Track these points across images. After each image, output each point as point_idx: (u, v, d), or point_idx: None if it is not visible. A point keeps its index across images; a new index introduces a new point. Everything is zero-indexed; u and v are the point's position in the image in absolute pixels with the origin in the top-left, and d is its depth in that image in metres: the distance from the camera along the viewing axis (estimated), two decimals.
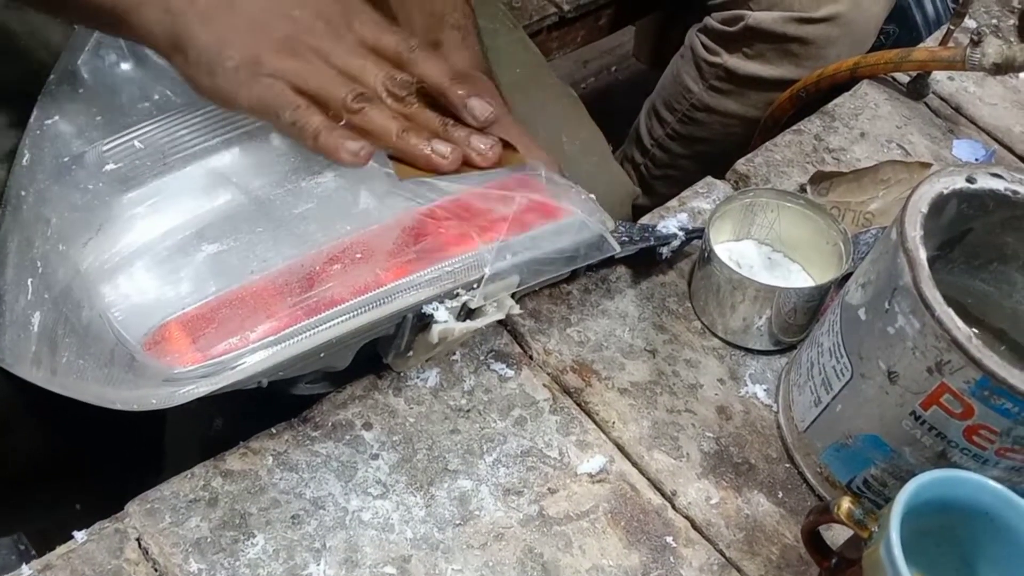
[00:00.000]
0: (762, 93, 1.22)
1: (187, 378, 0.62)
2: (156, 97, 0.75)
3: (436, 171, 0.69)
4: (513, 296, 0.73)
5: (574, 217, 0.73)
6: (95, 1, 0.67)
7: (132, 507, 0.67)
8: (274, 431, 0.72)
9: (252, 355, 0.63)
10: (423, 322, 0.70)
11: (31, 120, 0.75)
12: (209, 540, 0.66)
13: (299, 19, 0.68)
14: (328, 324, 0.65)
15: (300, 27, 0.68)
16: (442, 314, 0.69)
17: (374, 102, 0.68)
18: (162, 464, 1.05)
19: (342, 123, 0.67)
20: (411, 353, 0.73)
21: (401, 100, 0.70)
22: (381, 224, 0.69)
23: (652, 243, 0.82)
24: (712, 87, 1.27)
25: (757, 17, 1.17)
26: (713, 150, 1.31)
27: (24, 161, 0.73)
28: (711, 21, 1.23)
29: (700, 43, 1.26)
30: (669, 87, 1.34)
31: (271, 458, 0.71)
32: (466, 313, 0.71)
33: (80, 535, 0.66)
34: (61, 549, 0.65)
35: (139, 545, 0.66)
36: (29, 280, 0.69)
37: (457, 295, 0.69)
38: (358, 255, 0.67)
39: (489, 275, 0.69)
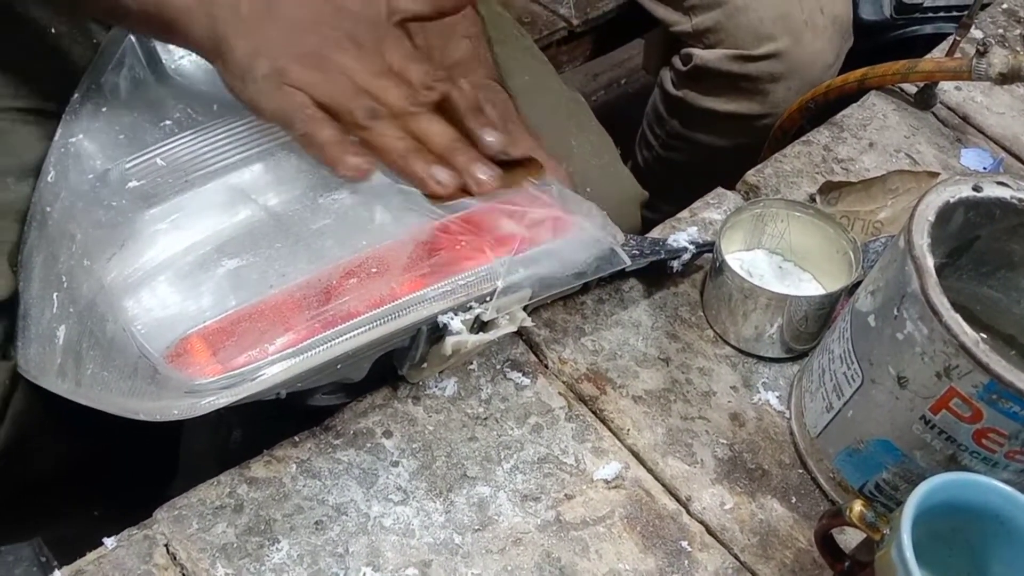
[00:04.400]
0: (727, 124, 1.24)
1: (208, 389, 0.63)
2: (177, 115, 0.77)
3: (433, 196, 0.70)
4: (525, 308, 0.74)
5: (585, 231, 0.74)
6: (145, 9, 0.69)
7: (160, 514, 0.69)
8: (297, 439, 0.73)
9: (271, 367, 0.64)
10: (437, 334, 0.71)
11: (55, 138, 0.76)
12: (235, 545, 0.68)
13: (331, 37, 0.70)
14: (345, 336, 0.66)
15: (330, 43, 0.69)
16: (456, 326, 0.70)
17: (386, 120, 0.69)
18: (175, 470, 1.06)
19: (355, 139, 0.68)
20: (425, 364, 0.74)
21: (415, 117, 0.70)
22: (396, 239, 0.70)
23: (663, 256, 0.83)
24: (682, 120, 1.29)
25: (703, 56, 1.19)
26: (698, 173, 1.30)
27: (49, 178, 0.75)
28: (675, 59, 1.26)
29: (669, 77, 1.29)
30: (651, 113, 1.37)
31: (295, 466, 0.72)
32: (479, 325, 0.72)
33: (110, 541, 0.67)
34: (92, 555, 0.66)
35: (167, 551, 0.67)
36: (54, 294, 0.70)
37: (470, 308, 0.70)
38: (374, 269, 0.68)
39: (501, 288, 0.70)
